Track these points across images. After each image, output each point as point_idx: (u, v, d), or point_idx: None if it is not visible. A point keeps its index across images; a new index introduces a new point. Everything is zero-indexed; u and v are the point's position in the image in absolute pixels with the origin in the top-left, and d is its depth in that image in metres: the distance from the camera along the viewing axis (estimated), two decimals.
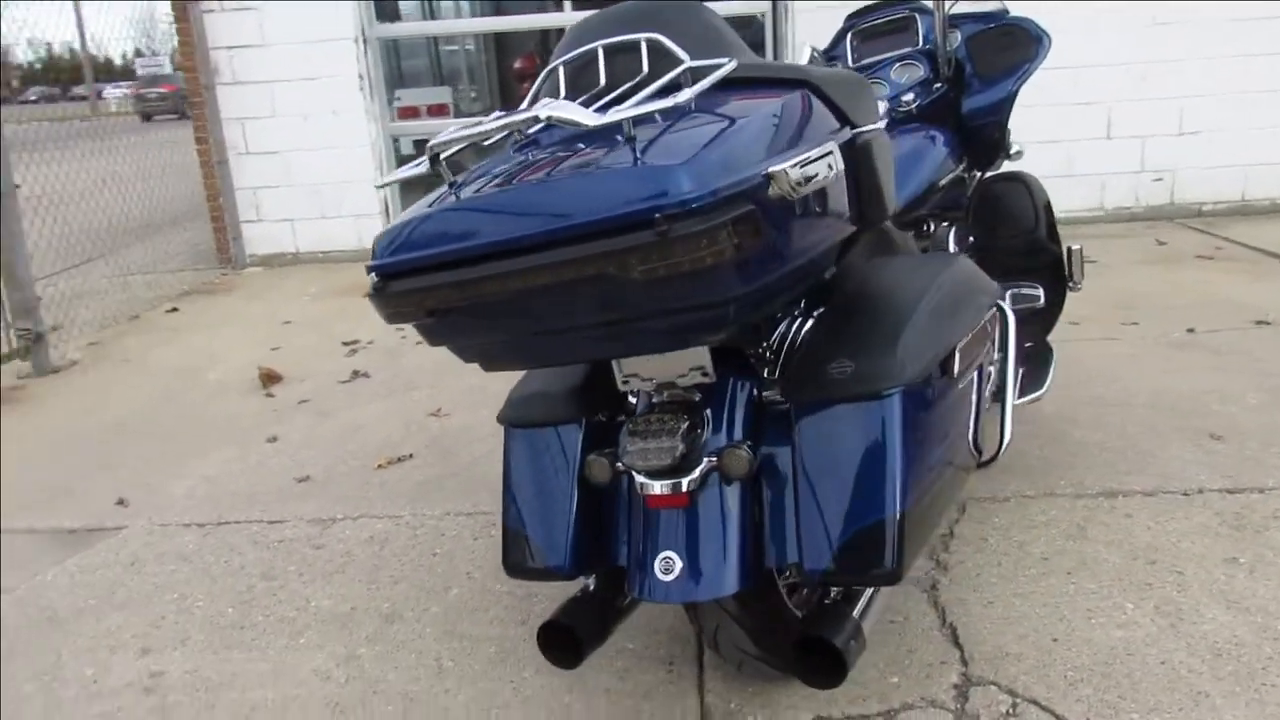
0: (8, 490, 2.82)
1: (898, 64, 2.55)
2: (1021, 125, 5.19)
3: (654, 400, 1.48)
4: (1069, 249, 2.46)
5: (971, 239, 2.42)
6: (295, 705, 1.75)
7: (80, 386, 3.82)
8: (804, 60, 2.38)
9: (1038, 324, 2.50)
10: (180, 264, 6.15)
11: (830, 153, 1.26)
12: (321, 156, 5.56)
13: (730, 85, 1.37)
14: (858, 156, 1.41)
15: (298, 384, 3.59)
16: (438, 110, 7.62)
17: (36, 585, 2.25)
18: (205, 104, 5.53)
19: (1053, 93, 5.23)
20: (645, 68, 1.38)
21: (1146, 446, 2.54)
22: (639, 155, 1.16)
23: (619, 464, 1.43)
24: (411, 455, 2.83)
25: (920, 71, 2.51)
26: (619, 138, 1.22)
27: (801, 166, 1.20)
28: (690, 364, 1.43)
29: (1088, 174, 5.45)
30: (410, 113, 7.43)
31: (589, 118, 1.17)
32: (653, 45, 1.37)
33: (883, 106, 2.39)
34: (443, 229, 1.25)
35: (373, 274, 1.30)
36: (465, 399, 3.26)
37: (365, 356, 3.86)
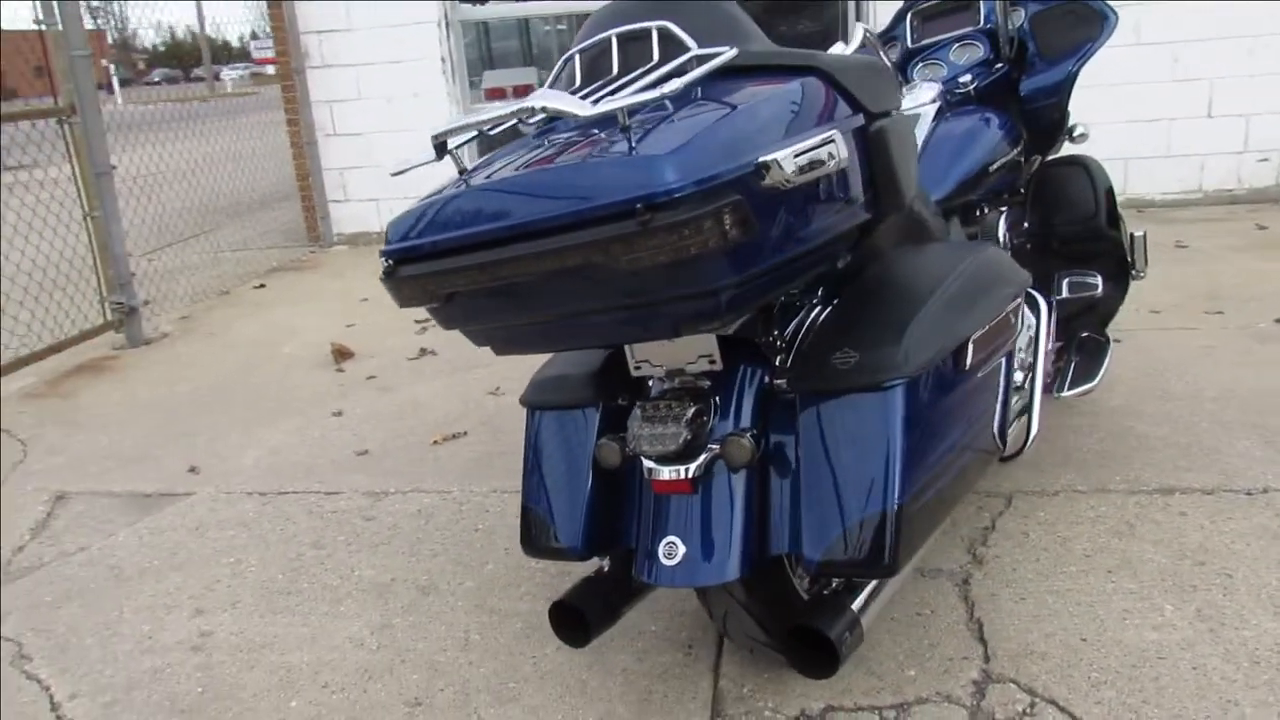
0: (98, 454, 3.00)
1: (957, 44, 2.49)
2: (1111, 104, 5.01)
3: (664, 387, 1.50)
4: (1132, 236, 2.36)
5: (1027, 224, 2.35)
6: (328, 669, 1.82)
7: (168, 358, 4.02)
8: (855, 42, 2.33)
9: (1096, 313, 2.41)
10: (272, 242, 6.38)
11: (831, 140, 1.24)
12: (404, 138, 5.69)
13: (740, 73, 1.36)
14: (871, 143, 1.39)
15: (367, 360, 3.71)
16: (524, 90, 7.69)
17: (108, 545, 2.40)
18: (296, 87, 5.71)
19: (1149, 69, 5.00)
20: (655, 56, 1.38)
21: (1211, 443, 2.43)
22: (633, 145, 1.17)
23: (629, 448, 1.45)
24: (466, 432, 2.90)
25: (980, 52, 2.44)
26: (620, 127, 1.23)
27: (798, 155, 1.19)
28: (699, 351, 1.44)
29: (1186, 154, 5.19)
30: (497, 93, 7.52)
31: (582, 108, 1.19)
32: (663, 33, 1.37)
33: (934, 89, 2.34)
34: (445, 216, 1.28)
35: (385, 258, 1.35)
36: (524, 378, 3.29)
37: (434, 335, 3.96)
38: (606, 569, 1.62)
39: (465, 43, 6.20)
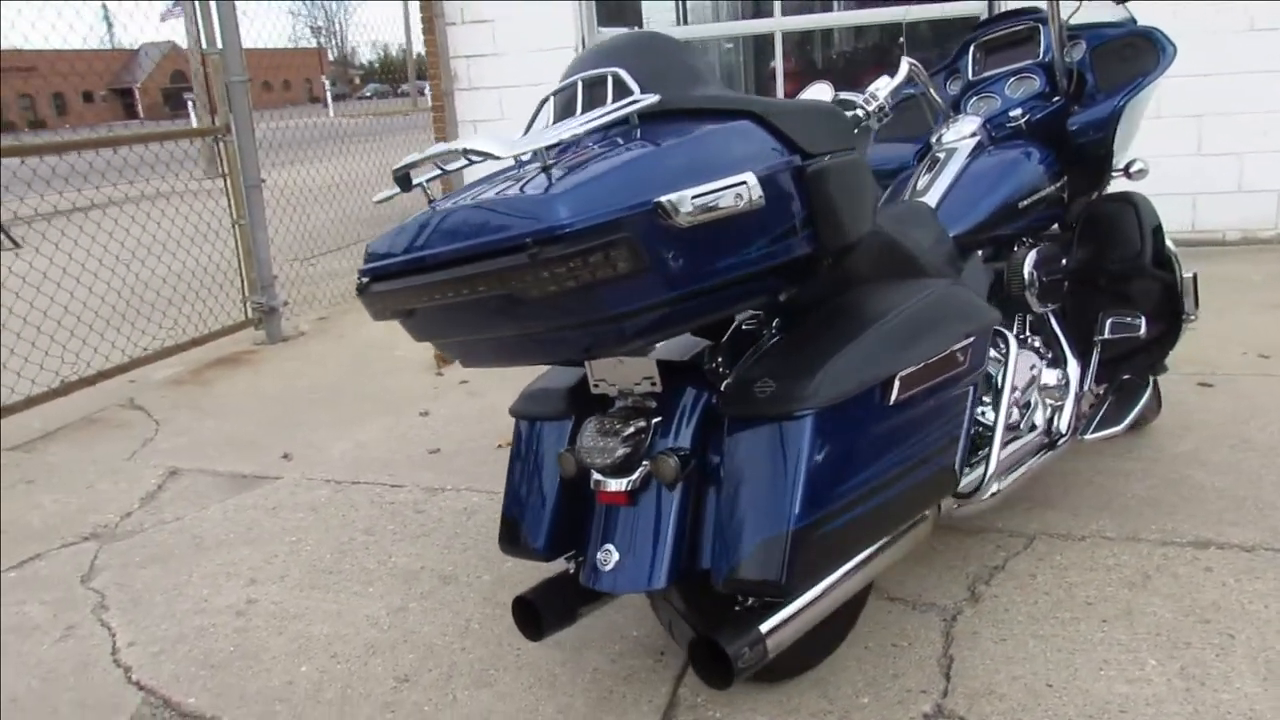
0: (215, 437, 3.36)
1: (1014, 78, 2.46)
2: (1189, 136, 4.72)
3: (619, 404, 1.60)
4: (1181, 277, 2.26)
5: (1069, 260, 2.29)
6: (340, 641, 2.02)
7: (298, 355, 4.41)
8: (901, 76, 2.35)
9: (1143, 357, 2.32)
10: None
11: (742, 183, 1.32)
12: None
13: (685, 116, 1.46)
14: (808, 183, 1.44)
15: None
16: None
17: (198, 518, 2.71)
18: (445, 108, 6.11)
19: (1229, 100, 4.68)
20: (609, 100, 1.49)
21: (1271, 498, 2.29)
22: (548, 183, 1.29)
23: (578, 459, 1.56)
24: None
25: (1036, 85, 2.41)
26: (554, 163, 1.35)
27: (696, 197, 1.27)
28: (642, 374, 1.54)
29: (1267, 189, 4.84)
30: None
31: (500, 148, 1.31)
32: (615, 79, 1.48)
33: (974, 123, 2.33)
34: (401, 243, 1.43)
35: (360, 276, 1.52)
36: None
37: None
38: (571, 571, 1.73)
39: None
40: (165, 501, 2.85)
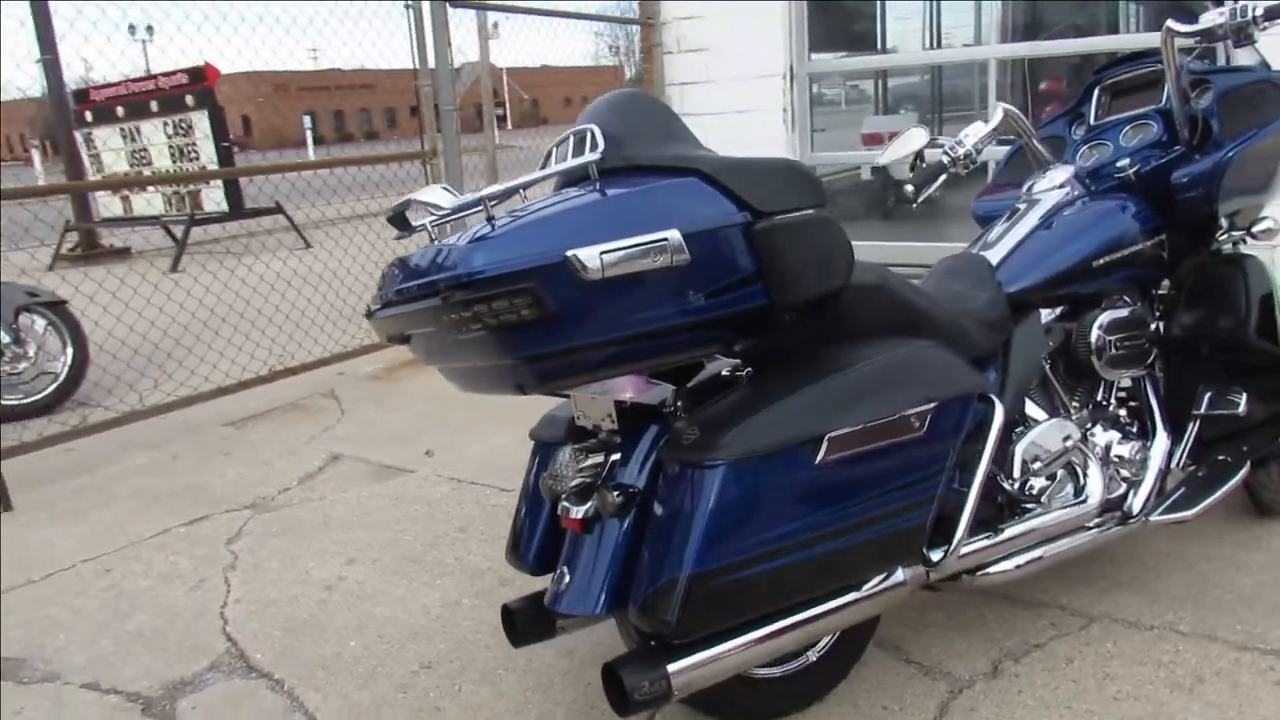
0: (382, 430, 3.77)
1: (1131, 124, 2.29)
2: None
3: (594, 438, 1.71)
4: None
5: (1151, 325, 2.11)
6: (391, 624, 2.26)
7: None
8: (994, 121, 2.27)
9: (1243, 440, 2.09)
10: None
11: (664, 240, 1.38)
12: None
13: (638, 172, 1.54)
14: (754, 240, 1.48)
15: None
16: (893, 138, 7.73)
17: (337, 499, 3.07)
18: None
19: None
20: (585, 154, 1.61)
21: None
22: (480, 232, 1.42)
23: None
24: None
25: (1152, 132, 2.23)
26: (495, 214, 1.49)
27: (606, 253, 1.36)
28: (604, 412, 1.64)
29: None
30: (874, 139, 7.67)
31: (444, 200, 1.47)
32: (591, 135, 1.59)
33: (1064, 174, 2.20)
34: (392, 275, 1.63)
35: (370, 303, 1.73)
36: None
37: None
38: None
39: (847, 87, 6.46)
40: (319, 482, 3.25)
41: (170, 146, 9.64)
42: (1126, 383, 2.21)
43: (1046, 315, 2.08)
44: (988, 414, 1.72)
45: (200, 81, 9.31)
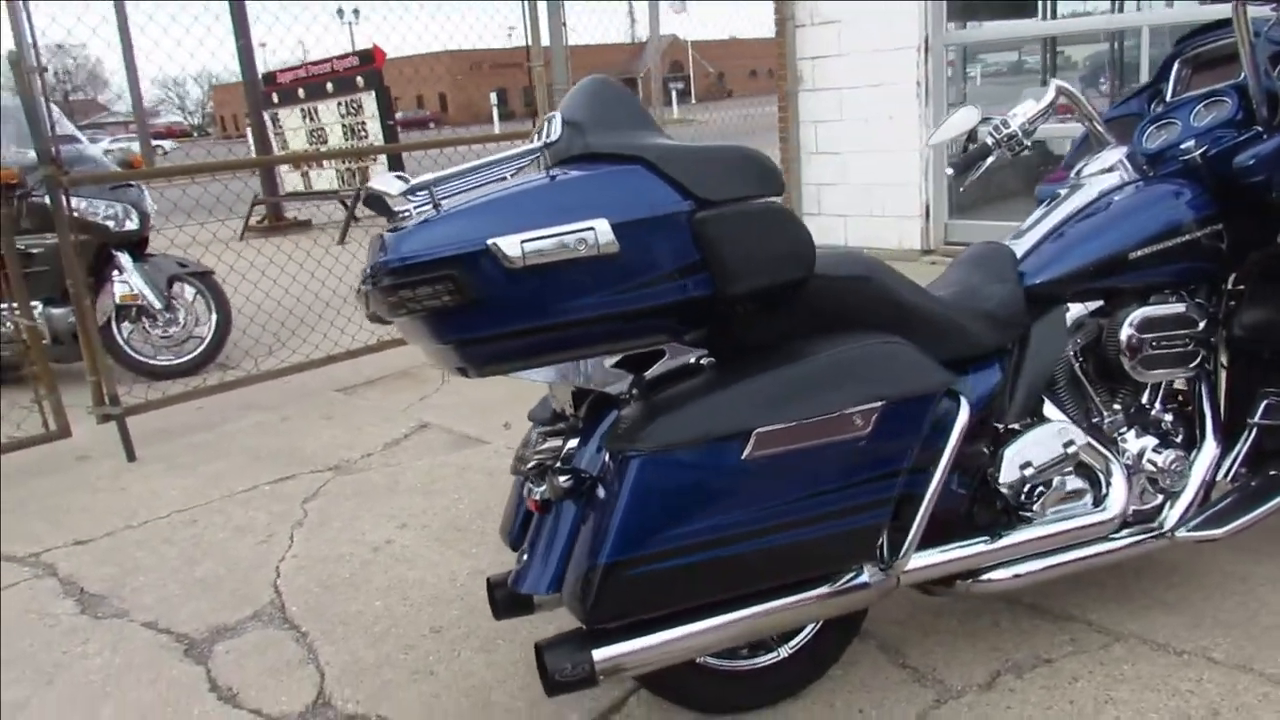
0: (472, 401, 3.92)
1: (1204, 102, 2.08)
2: None
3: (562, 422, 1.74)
4: None
5: (1200, 324, 1.91)
6: (417, 588, 2.37)
7: None
8: (1047, 99, 2.13)
9: None
10: None
11: (589, 230, 1.38)
12: (875, 159, 5.90)
13: (590, 159, 1.53)
14: (695, 229, 1.45)
15: None
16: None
17: (411, 466, 3.23)
18: (788, 109, 6.25)
19: None
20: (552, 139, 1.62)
21: None
22: (420, 219, 1.46)
23: None
24: None
25: (1226, 110, 2.02)
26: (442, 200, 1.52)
27: (527, 241, 1.37)
28: (564, 400, 1.67)
29: None
30: None
31: (394, 187, 1.51)
32: (549, 122, 1.61)
33: (1114, 157, 2.03)
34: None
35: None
36: None
37: None
38: None
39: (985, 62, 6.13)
40: (401, 449, 3.43)
41: (343, 125, 10.24)
42: (1181, 385, 2.03)
43: (1079, 310, 1.93)
44: (950, 414, 1.62)
45: (369, 64, 9.83)
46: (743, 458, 1.45)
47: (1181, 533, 1.86)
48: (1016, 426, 1.82)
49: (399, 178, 1.58)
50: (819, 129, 6.19)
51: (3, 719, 1.98)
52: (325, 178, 10.73)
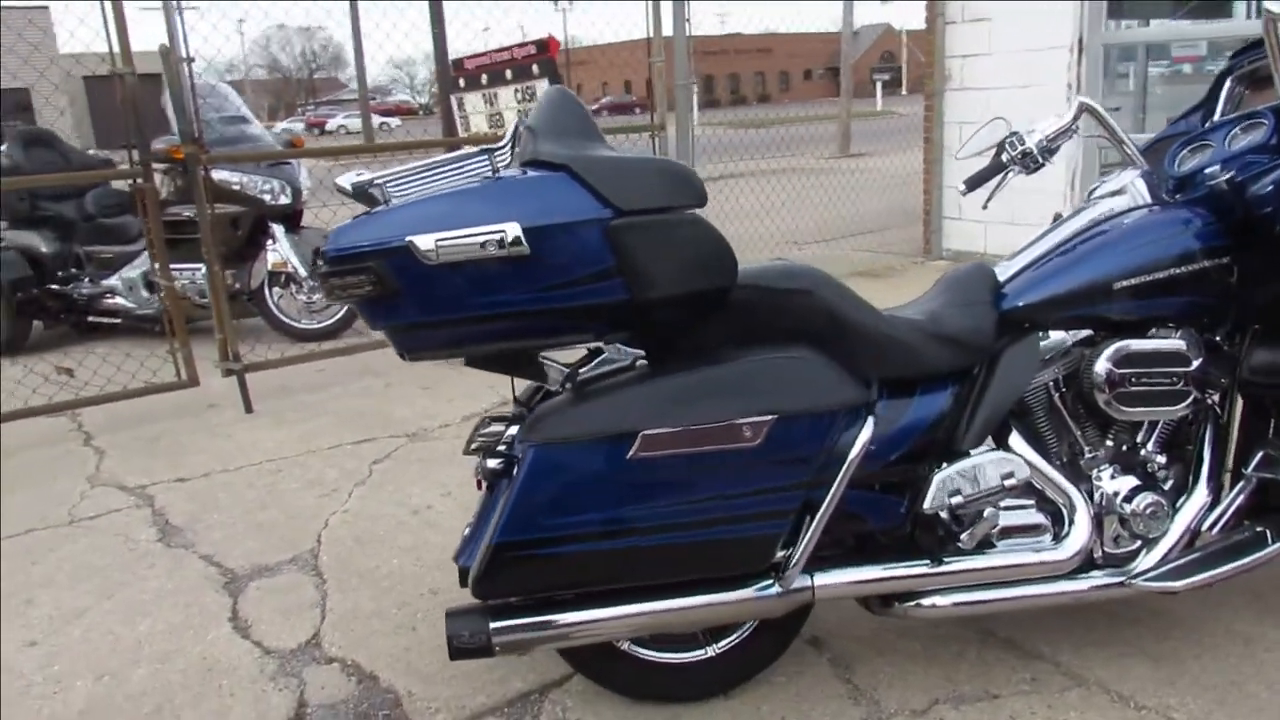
0: None
1: (1243, 124, 1.95)
2: None
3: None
4: None
5: (1194, 362, 1.79)
6: (433, 551, 2.56)
7: None
8: (1070, 114, 2.06)
9: None
10: (892, 248, 6.88)
11: (500, 232, 1.48)
12: None
13: (533, 165, 1.63)
14: (609, 236, 1.52)
15: None
16: None
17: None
18: (934, 109, 6.05)
19: None
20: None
21: None
22: (373, 212, 1.61)
23: None
24: None
25: (1263, 133, 1.89)
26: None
27: (442, 240, 1.48)
28: (522, 388, 1.79)
29: None
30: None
31: (348, 182, 1.66)
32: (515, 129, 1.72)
33: (1126, 179, 1.94)
34: None
35: None
36: None
37: None
38: None
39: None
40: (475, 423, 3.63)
41: (518, 111, 10.69)
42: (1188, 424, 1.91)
43: (1060, 338, 1.86)
44: (853, 432, 1.61)
45: (544, 52, 10.20)
46: (628, 457, 1.52)
47: (1140, 581, 1.77)
48: (970, 452, 1.78)
49: (358, 174, 1.74)
50: (964, 131, 5.96)
51: (62, 622, 2.31)
52: None
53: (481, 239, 1.48)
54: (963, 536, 1.73)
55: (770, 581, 1.66)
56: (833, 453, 1.59)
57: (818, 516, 1.61)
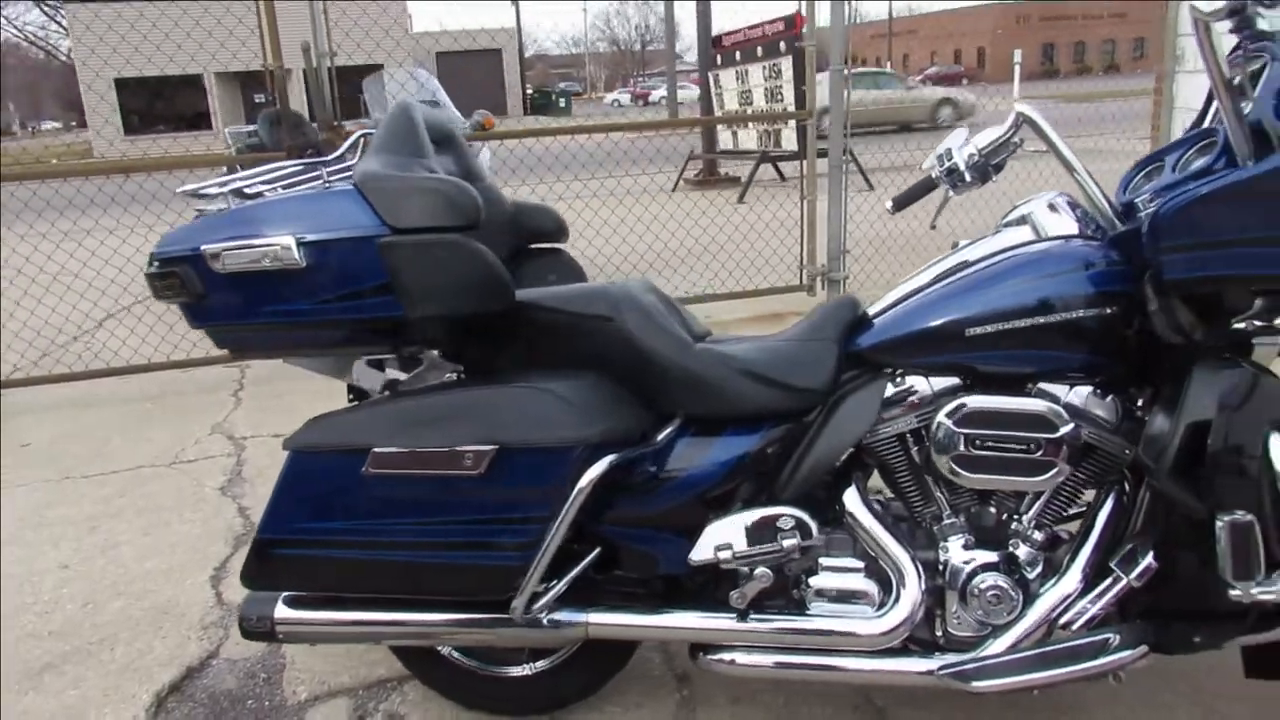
0: None
1: (1201, 142, 1.62)
2: None
3: None
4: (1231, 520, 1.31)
5: (1066, 427, 1.51)
6: None
7: None
8: (1002, 128, 1.81)
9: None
10: None
11: (274, 246, 1.56)
12: None
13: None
14: (384, 254, 1.56)
15: None
16: None
17: None
18: (1163, 93, 5.29)
19: None
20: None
21: None
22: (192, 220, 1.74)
23: None
24: None
25: (1213, 152, 1.56)
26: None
27: (228, 250, 1.58)
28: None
29: None
30: None
31: (192, 189, 1.80)
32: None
33: (1034, 206, 1.68)
34: None
35: None
36: None
37: None
38: None
39: None
40: None
41: (765, 89, 10.60)
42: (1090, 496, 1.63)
43: (924, 386, 1.63)
44: (576, 471, 1.52)
45: (791, 29, 10.00)
46: (362, 472, 1.55)
47: (940, 674, 1.53)
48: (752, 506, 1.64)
49: (220, 178, 1.89)
50: (1187, 121, 5.16)
51: (97, 551, 2.71)
52: (750, 137, 11.22)
53: (259, 251, 1.57)
54: (732, 594, 1.60)
55: (507, 614, 1.63)
56: (565, 489, 1.53)
57: (540, 551, 1.55)
